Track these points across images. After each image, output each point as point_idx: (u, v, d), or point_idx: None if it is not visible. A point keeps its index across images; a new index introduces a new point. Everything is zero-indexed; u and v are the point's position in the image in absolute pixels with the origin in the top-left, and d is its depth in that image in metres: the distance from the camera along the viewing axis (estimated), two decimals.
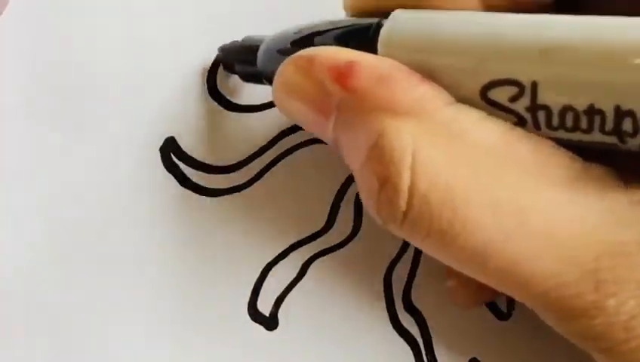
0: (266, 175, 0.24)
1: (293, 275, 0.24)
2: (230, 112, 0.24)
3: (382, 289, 0.24)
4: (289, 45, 0.20)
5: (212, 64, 0.24)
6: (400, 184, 0.16)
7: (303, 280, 0.24)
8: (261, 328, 0.24)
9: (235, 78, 0.24)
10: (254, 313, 0.24)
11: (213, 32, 0.25)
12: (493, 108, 0.17)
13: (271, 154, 0.24)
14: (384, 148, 0.17)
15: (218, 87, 0.24)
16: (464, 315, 0.24)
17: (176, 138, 0.24)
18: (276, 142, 0.24)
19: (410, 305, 0.24)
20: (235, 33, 0.24)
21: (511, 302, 0.24)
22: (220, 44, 0.24)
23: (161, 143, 0.24)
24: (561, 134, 0.16)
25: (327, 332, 0.24)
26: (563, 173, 0.16)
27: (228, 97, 0.24)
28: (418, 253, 0.25)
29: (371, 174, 0.17)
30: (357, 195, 0.25)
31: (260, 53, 0.22)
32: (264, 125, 0.25)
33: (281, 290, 0.24)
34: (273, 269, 0.24)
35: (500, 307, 0.25)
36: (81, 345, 0.23)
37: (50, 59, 0.24)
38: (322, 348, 0.24)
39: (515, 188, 0.16)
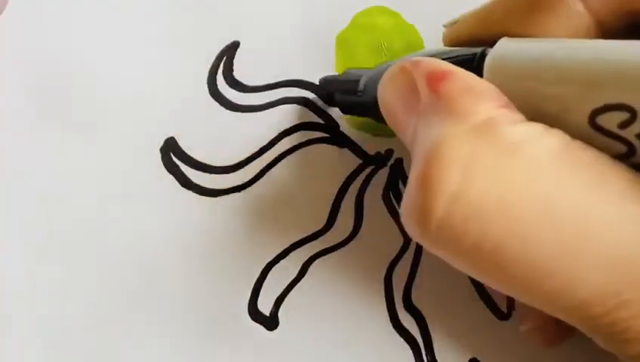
0: (266, 175, 0.24)
1: (294, 275, 0.24)
2: (230, 112, 0.24)
3: (382, 288, 0.24)
4: None
5: (212, 65, 0.24)
6: (440, 187, 0.16)
7: (303, 279, 0.24)
8: (261, 328, 0.24)
9: (237, 79, 0.24)
10: (254, 313, 0.24)
11: (214, 32, 0.25)
12: (600, 134, 0.16)
13: (271, 155, 0.24)
14: (437, 151, 0.16)
15: (218, 87, 0.24)
16: (464, 315, 0.24)
17: (176, 138, 0.24)
18: (276, 143, 0.24)
19: (410, 304, 0.24)
20: (236, 34, 0.24)
21: (511, 301, 0.24)
22: (220, 44, 0.24)
23: (161, 144, 0.24)
24: None
25: (328, 332, 0.24)
26: (625, 187, 0.16)
27: (228, 97, 0.24)
28: (418, 253, 0.24)
29: (415, 176, 0.17)
30: (358, 194, 0.25)
31: (362, 82, 0.22)
32: (264, 125, 0.25)
33: (282, 290, 0.24)
34: (273, 269, 0.24)
35: (500, 307, 0.24)
36: (81, 345, 0.23)
37: (50, 59, 0.24)
38: (322, 347, 0.24)
39: (576, 202, 0.16)
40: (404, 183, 0.25)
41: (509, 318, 0.24)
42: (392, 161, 0.25)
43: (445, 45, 0.21)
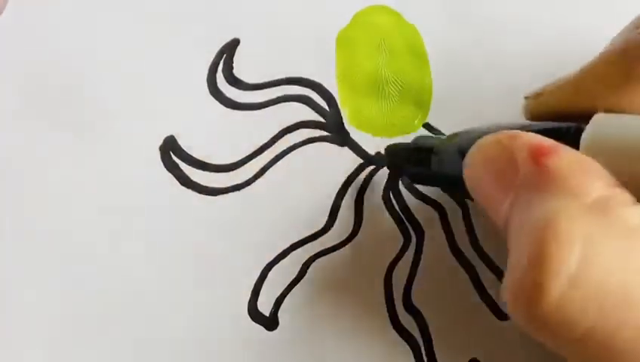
0: (266, 174, 0.24)
1: (294, 275, 0.24)
2: (230, 110, 0.24)
3: (382, 289, 0.24)
4: (468, 147, 0.20)
5: (212, 63, 0.24)
6: (559, 267, 0.15)
7: (303, 280, 0.24)
8: (261, 328, 0.24)
9: (237, 76, 0.24)
10: (254, 313, 0.24)
11: (213, 29, 0.25)
12: None
13: (271, 153, 0.24)
14: (553, 228, 0.15)
15: (218, 84, 0.24)
16: (464, 315, 0.24)
17: (175, 137, 0.24)
18: (276, 141, 0.25)
19: (410, 305, 0.24)
20: (235, 32, 0.24)
21: None
22: (220, 41, 0.24)
23: (160, 142, 0.24)
24: None
25: (327, 333, 0.24)
26: None
27: (228, 95, 0.24)
28: (418, 253, 0.25)
29: (527, 253, 0.16)
30: (357, 195, 0.25)
31: (436, 154, 0.22)
32: (264, 123, 0.25)
33: (281, 291, 0.24)
34: (273, 269, 0.24)
35: (501, 307, 0.24)
36: (79, 344, 0.23)
37: (50, 59, 0.24)
38: (322, 348, 0.24)
39: None
40: (405, 184, 0.25)
41: (508, 319, 0.24)
42: None
43: (526, 117, 0.21)
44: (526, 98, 0.21)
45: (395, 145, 0.24)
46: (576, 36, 0.25)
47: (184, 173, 0.24)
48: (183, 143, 0.24)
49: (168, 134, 0.24)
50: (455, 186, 0.21)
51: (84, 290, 0.23)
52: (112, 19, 0.24)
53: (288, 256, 0.24)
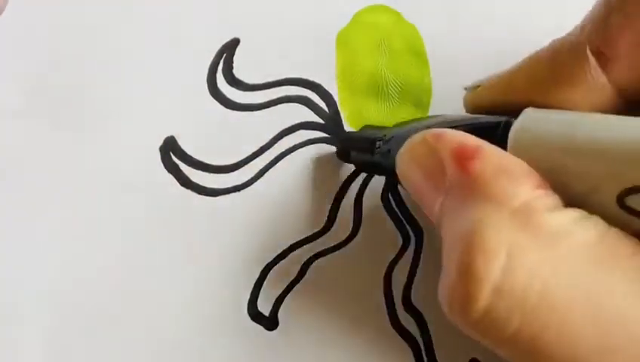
0: (265, 175, 0.24)
1: (293, 276, 0.24)
2: (230, 111, 0.24)
3: (382, 289, 0.24)
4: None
5: (212, 63, 0.24)
6: (485, 277, 0.16)
7: (302, 280, 0.24)
8: (261, 328, 0.24)
9: (237, 77, 0.24)
10: (254, 313, 0.24)
11: (213, 29, 0.25)
12: (629, 214, 0.16)
13: (271, 154, 0.24)
14: (478, 238, 0.16)
15: (218, 85, 0.24)
16: None
17: (175, 137, 0.24)
18: (276, 142, 0.24)
19: (410, 305, 0.24)
20: (236, 32, 0.24)
21: None
22: (220, 41, 0.24)
23: (160, 143, 0.24)
24: None
25: (327, 333, 0.24)
26: None
27: (228, 96, 0.24)
28: (417, 253, 0.25)
29: (456, 262, 0.17)
30: (356, 196, 0.25)
31: (378, 146, 0.22)
32: (264, 124, 0.25)
33: (281, 291, 0.24)
34: (273, 270, 0.24)
35: None
36: (79, 344, 0.23)
37: (50, 59, 0.24)
38: (322, 348, 0.24)
39: (615, 299, 0.15)
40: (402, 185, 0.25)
41: None
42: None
43: (466, 109, 0.21)
44: (465, 89, 0.21)
45: (348, 132, 0.25)
46: None
47: (184, 174, 0.24)
48: (183, 144, 0.24)
49: (168, 135, 0.24)
50: (396, 177, 0.21)
51: (83, 290, 0.23)
52: (113, 19, 0.24)
53: (288, 257, 0.24)
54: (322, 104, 0.25)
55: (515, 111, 0.18)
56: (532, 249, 0.16)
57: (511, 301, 0.16)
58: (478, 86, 0.21)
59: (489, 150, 0.17)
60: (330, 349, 0.24)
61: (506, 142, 0.17)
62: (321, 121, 0.25)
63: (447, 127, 0.20)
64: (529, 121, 0.18)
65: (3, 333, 0.23)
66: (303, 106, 0.25)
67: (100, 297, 0.23)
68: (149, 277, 0.23)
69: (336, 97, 0.25)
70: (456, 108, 0.25)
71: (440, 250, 0.23)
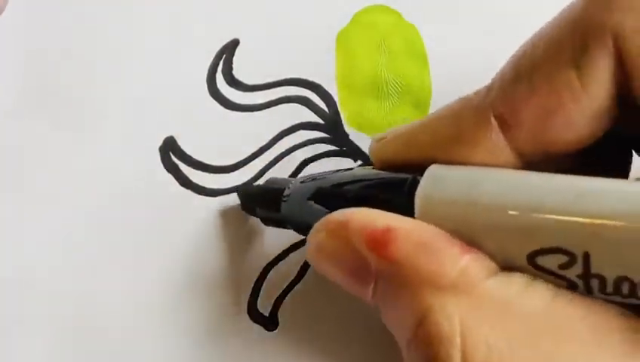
0: (265, 175, 0.24)
1: (293, 276, 0.24)
2: (230, 112, 0.25)
3: None
4: (315, 194, 0.20)
5: (212, 64, 0.24)
6: None
7: (302, 281, 0.24)
8: (260, 328, 0.24)
9: (236, 77, 0.24)
10: (254, 313, 0.24)
11: (213, 30, 0.25)
12: (542, 273, 0.16)
13: (270, 154, 0.24)
14: (431, 330, 0.16)
15: (218, 85, 0.24)
16: None
17: (175, 138, 0.24)
18: (276, 142, 0.25)
19: None
20: (235, 32, 0.24)
21: None
22: (219, 42, 0.24)
23: (160, 143, 0.24)
24: (616, 299, 0.16)
25: (326, 332, 0.24)
26: (618, 338, 0.16)
27: (227, 96, 0.24)
28: None
29: (420, 356, 0.16)
30: None
31: (284, 200, 0.22)
32: (264, 125, 0.25)
33: (281, 291, 0.24)
34: (272, 270, 0.24)
35: None
36: (81, 342, 0.23)
37: (50, 58, 0.24)
38: (321, 347, 0.24)
39: (579, 359, 0.15)
40: None
41: None
42: None
43: (372, 160, 0.21)
44: (373, 139, 0.21)
45: (247, 185, 0.24)
46: None
47: (183, 174, 0.24)
48: (183, 144, 0.24)
49: (168, 135, 0.24)
50: (306, 233, 0.21)
51: (83, 290, 0.23)
52: (113, 19, 0.24)
53: (287, 258, 0.24)
54: (322, 104, 0.25)
55: (419, 166, 0.18)
56: (484, 324, 0.16)
57: None
58: (384, 137, 0.21)
59: (400, 229, 0.17)
60: (329, 348, 0.24)
61: (413, 200, 0.17)
62: (321, 121, 0.25)
63: (355, 184, 0.20)
64: (435, 179, 0.18)
65: (6, 335, 0.23)
66: (303, 107, 0.25)
67: (100, 297, 0.23)
68: (148, 276, 0.23)
69: (336, 98, 0.25)
70: None
71: None
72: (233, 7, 0.25)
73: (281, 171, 0.25)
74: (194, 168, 0.24)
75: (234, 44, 0.25)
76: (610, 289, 0.15)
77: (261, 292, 0.24)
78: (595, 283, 0.15)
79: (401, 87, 0.26)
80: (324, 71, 0.25)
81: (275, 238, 0.24)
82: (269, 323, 0.24)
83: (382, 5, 0.26)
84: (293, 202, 0.21)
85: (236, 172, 0.24)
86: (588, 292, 0.16)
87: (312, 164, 0.25)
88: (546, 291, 0.16)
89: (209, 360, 0.23)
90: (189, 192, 0.24)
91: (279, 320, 0.24)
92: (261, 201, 0.23)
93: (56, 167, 0.24)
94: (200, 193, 0.24)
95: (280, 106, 0.25)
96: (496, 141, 0.18)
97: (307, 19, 0.25)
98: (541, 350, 0.15)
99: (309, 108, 0.25)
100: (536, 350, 0.15)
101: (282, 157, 0.25)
